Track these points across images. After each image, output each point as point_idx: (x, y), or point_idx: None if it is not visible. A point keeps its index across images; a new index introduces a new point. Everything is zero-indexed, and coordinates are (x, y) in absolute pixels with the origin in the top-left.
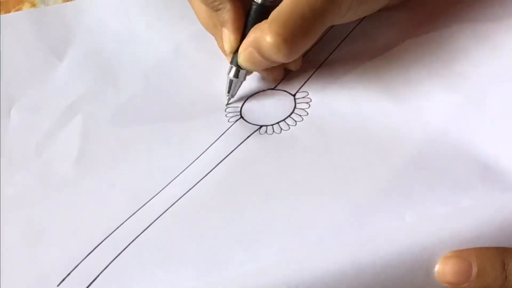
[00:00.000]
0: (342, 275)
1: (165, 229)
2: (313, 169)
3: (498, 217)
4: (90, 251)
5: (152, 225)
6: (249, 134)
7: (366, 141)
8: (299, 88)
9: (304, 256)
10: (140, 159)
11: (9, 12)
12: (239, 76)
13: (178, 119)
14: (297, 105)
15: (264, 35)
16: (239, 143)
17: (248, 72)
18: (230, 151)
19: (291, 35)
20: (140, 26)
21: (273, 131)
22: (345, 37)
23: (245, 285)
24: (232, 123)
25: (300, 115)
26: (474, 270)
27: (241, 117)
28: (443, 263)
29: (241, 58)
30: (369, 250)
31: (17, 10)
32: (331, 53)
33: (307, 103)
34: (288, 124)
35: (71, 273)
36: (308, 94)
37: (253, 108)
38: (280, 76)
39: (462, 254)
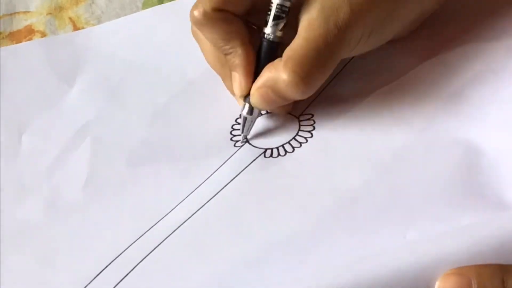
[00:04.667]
0: None
1: (171, 251)
2: (317, 191)
3: (498, 235)
4: (97, 273)
5: (158, 247)
6: (254, 158)
7: (368, 161)
8: (303, 110)
9: (308, 276)
10: (147, 183)
11: (20, 42)
12: (253, 113)
13: (185, 144)
14: (301, 127)
15: (279, 74)
16: (244, 167)
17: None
18: (235, 175)
19: (308, 72)
20: (148, 53)
21: (278, 153)
22: (349, 60)
23: None
24: (238, 147)
25: (304, 137)
26: (474, 287)
27: (247, 141)
28: (444, 280)
29: (255, 98)
30: (370, 269)
31: (28, 40)
32: (335, 76)
33: (311, 125)
34: (292, 146)
35: None
36: (312, 116)
37: (259, 131)
38: (290, 108)
39: (462, 271)
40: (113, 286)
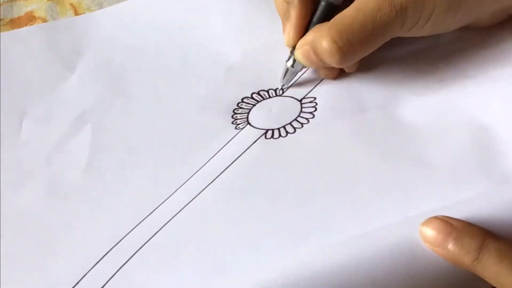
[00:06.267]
0: (343, 267)
1: (172, 235)
2: (318, 171)
3: (499, 208)
4: (98, 259)
5: (159, 232)
6: (255, 140)
7: (370, 141)
8: (306, 94)
9: (308, 255)
10: (147, 167)
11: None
12: (295, 66)
13: (185, 128)
14: (303, 109)
15: (321, 38)
16: (245, 149)
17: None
18: (236, 157)
19: (348, 43)
20: (148, 37)
21: (279, 134)
22: None
23: (247, 283)
24: (239, 130)
25: (306, 118)
26: (453, 235)
27: (248, 123)
28: (428, 220)
29: (298, 53)
30: (371, 243)
31: (29, 26)
32: None
33: (313, 106)
34: (294, 127)
35: (80, 281)
36: (314, 99)
37: (259, 113)
38: (335, 74)
39: (449, 220)
40: (115, 272)
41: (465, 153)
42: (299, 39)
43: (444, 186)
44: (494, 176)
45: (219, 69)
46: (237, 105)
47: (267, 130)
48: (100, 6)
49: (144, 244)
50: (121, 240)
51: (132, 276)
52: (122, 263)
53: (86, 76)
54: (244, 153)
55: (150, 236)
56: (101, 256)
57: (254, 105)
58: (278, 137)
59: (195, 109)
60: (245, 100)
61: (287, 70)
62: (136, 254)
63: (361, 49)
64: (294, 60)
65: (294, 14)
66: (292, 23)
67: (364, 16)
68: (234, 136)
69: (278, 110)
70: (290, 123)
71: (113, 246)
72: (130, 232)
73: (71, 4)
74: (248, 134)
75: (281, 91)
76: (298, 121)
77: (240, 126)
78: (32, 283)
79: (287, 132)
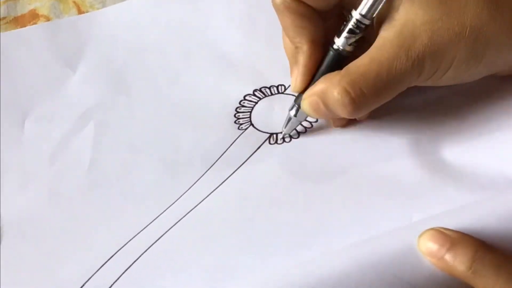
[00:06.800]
0: (347, 274)
1: (178, 239)
2: (322, 175)
3: (503, 212)
4: (104, 262)
5: (164, 235)
6: (259, 145)
7: (374, 144)
8: None
9: (310, 259)
10: (151, 167)
11: (25, 27)
12: (298, 115)
13: (188, 127)
14: None
15: (332, 88)
16: (250, 155)
17: None
18: (241, 163)
19: (361, 95)
20: (150, 36)
21: (283, 140)
22: None
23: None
24: (242, 131)
25: (309, 122)
26: (447, 246)
27: (251, 124)
28: (425, 232)
29: (305, 104)
30: (375, 249)
31: (32, 25)
32: None
33: None
34: (297, 132)
35: (85, 284)
36: None
37: (262, 113)
38: (343, 124)
39: (444, 230)
40: (119, 275)
41: (469, 157)
42: (306, 87)
43: (448, 190)
44: (498, 180)
45: (221, 67)
46: (240, 103)
47: (271, 135)
48: (103, 4)
49: (149, 247)
50: (126, 243)
51: (137, 280)
52: (127, 266)
53: (88, 74)
54: (249, 159)
55: (155, 240)
56: (106, 259)
57: (256, 103)
58: (282, 142)
59: (197, 108)
60: (247, 97)
61: (289, 119)
62: (141, 257)
63: (375, 100)
64: (298, 110)
65: (302, 60)
66: (299, 69)
67: (379, 66)
68: (237, 137)
69: (281, 110)
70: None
71: (119, 249)
72: (135, 235)
73: (74, 2)
74: (251, 137)
75: (283, 88)
76: (301, 125)
77: (243, 126)
78: (36, 286)
79: (291, 137)
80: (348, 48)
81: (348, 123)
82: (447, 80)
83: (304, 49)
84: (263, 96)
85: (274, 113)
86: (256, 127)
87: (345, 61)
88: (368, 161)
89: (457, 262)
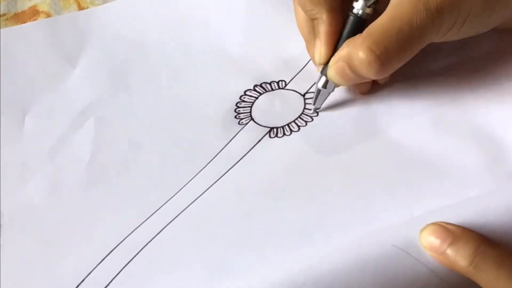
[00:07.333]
0: (347, 269)
1: (177, 233)
2: (322, 170)
3: (505, 205)
4: (103, 257)
5: (164, 230)
6: (259, 139)
7: (374, 138)
8: (309, 89)
9: (311, 253)
10: (151, 163)
11: (25, 23)
12: (328, 86)
13: (188, 122)
14: (307, 105)
15: (357, 50)
16: (250, 149)
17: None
18: (240, 157)
19: (385, 52)
20: (151, 31)
21: (283, 133)
22: None
23: (252, 282)
24: (243, 125)
25: (310, 116)
26: (449, 240)
27: (252, 118)
28: (426, 227)
29: (331, 72)
30: (376, 244)
31: (32, 21)
32: None
33: None
34: (298, 125)
35: (85, 279)
36: None
37: (263, 108)
38: (367, 89)
39: (446, 224)
40: (120, 270)
41: (470, 150)
42: (331, 56)
43: (449, 183)
44: (500, 174)
45: (222, 62)
46: (240, 98)
47: (271, 129)
48: (104, 0)
49: (149, 242)
50: (125, 238)
51: (136, 275)
52: (127, 262)
53: (89, 71)
54: (249, 153)
55: (155, 234)
56: (106, 254)
57: (256, 98)
58: (282, 135)
59: (198, 103)
60: (247, 93)
61: (318, 92)
62: (141, 251)
63: (399, 57)
64: (327, 80)
65: (323, 30)
66: (322, 39)
67: (400, 22)
68: (238, 132)
69: (281, 105)
70: (294, 121)
71: (118, 244)
72: (134, 230)
73: None
74: (251, 131)
75: (283, 83)
76: (302, 119)
77: (244, 121)
78: (36, 281)
79: (291, 131)
80: (368, 11)
81: (372, 87)
82: (463, 33)
83: (324, 18)
84: (264, 91)
85: (274, 108)
86: (257, 122)
87: (365, 26)
88: (369, 155)
89: (459, 257)
